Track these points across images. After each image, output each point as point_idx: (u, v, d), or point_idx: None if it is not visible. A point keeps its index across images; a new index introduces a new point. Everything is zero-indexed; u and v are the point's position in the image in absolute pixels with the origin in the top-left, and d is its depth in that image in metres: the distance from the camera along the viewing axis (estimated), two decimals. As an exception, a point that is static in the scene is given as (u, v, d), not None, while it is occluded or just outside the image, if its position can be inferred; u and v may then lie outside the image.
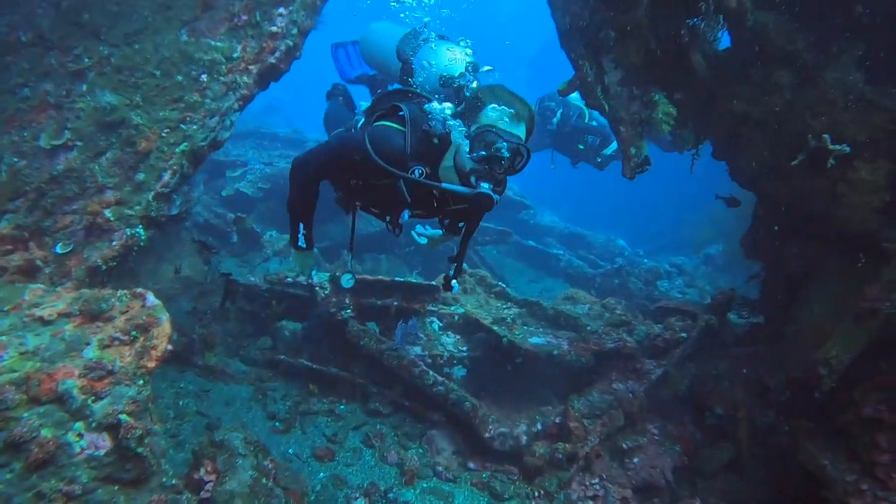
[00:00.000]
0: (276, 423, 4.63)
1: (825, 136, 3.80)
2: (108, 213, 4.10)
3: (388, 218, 3.24)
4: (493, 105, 2.59)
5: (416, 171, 2.67)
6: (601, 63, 4.02)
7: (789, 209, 4.45)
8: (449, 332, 5.92)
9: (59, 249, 4.05)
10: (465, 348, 5.69)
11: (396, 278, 5.78)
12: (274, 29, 4.34)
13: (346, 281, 3.54)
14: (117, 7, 4.57)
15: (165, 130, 4.26)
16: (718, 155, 4.87)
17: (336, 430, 4.68)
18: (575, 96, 7.96)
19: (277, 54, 4.27)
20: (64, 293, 3.37)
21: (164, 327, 3.11)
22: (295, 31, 4.30)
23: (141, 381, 2.92)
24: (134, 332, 3.07)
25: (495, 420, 4.65)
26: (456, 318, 6.00)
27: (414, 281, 5.88)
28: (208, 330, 5.39)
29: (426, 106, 2.77)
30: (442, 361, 5.47)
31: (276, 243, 9.53)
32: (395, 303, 5.62)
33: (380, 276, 5.85)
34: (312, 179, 2.93)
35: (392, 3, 4.07)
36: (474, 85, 2.96)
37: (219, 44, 4.44)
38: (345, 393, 5.25)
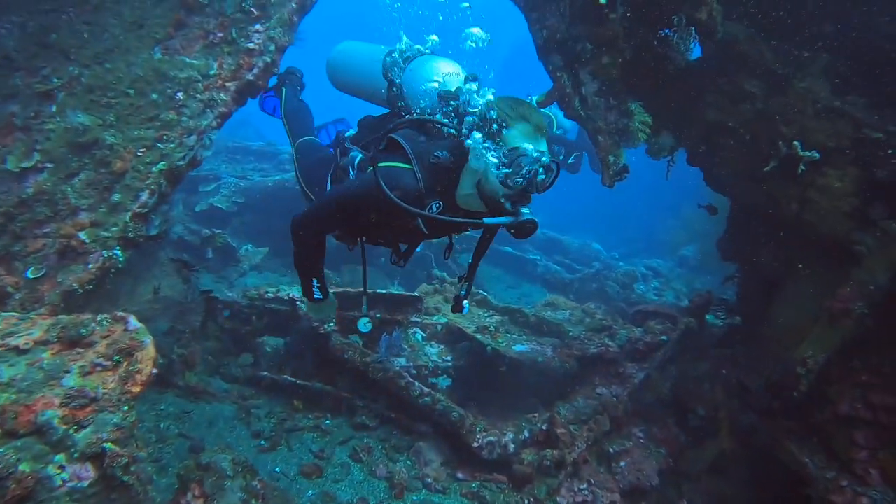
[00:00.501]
0: (262, 442, 4.57)
1: (795, 142, 3.91)
2: (82, 235, 4.01)
3: (399, 248, 3.14)
4: (518, 124, 2.39)
5: (434, 206, 2.56)
6: (578, 75, 4.09)
7: (763, 213, 4.57)
8: (432, 343, 5.92)
9: (30, 274, 3.95)
10: (449, 358, 5.70)
11: (379, 290, 5.77)
12: (251, 46, 4.30)
13: (364, 325, 3.40)
14: (87, 27, 4.51)
15: (141, 150, 4.19)
16: (693, 161, 4.98)
17: (323, 446, 4.65)
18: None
19: (255, 71, 4.24)
20: (39, 320, 3.28)
21: (149, 351, 3.05)
22: (273, 47, 4.28)
23: (126, 408, 2.86)
24: (117, 357, 3.01)
25: (483, 429, 4.66)
26: (439, 328, 6.01)
27: (396, 292, 5.88)
28: (188, 349, 5.30)
29: (468, 142, 2.49)
30: (427, 372, 5.46)
31: (252, 258, 9.44)
32: (378, 315, 5.61)
33: (361, 289, 5.82)
34: (319, 235, 2.79)
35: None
36: (488, 97, 2.65)
37: (194, 61, 4.39)
38: (330, 407, 5.21)
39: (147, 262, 4.66)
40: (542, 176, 2.38)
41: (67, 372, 2.96)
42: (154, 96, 4.35)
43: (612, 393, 5.11)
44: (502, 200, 2.41)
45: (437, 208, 2.57)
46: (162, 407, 4.79)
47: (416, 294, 5.88)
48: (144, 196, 4.05)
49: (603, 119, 4.25)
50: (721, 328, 6.06)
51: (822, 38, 4.09)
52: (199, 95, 4.31)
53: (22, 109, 4.33)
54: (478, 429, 4.68)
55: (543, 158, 2.37)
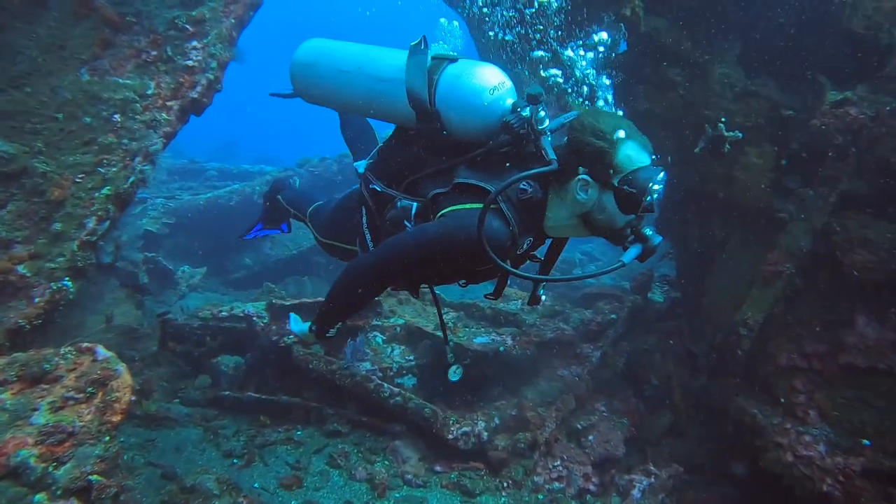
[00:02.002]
0: (235, 461, 4.51)
1: (720, 123, 4.27)
2: (21, 269, 3.83)
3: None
4: (625, 143, 2.02)
5: (525, 244, 2.24)
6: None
7: (695, 193, 4.93)
8: (393, 344, 5.98)
9: (-38, 315, 3.74)
10: (411, 357, 5.78)
11: (335, 298, 5.77)
12: (190, 63, 4.23)
13: (454, 374, 2.98)
14: (-6, 49, 4.29)
15: (80, 176, 4.03)
16: (625, 148, 5.30)
17: (298, 457, 4.63)
18: None
19: (199, 88, 4.17)
20: (-6, 360, 3.14)
21: (124, 378, 2.98)
22: (214, 64, 4.22)
23: (107, 438, 2.79)
24: (90, 389, 2.92)
25: (455, 421, 4.79)
26: (398, 329, 6.07)
27: (354, 299, 5.89)
28: (141, 377, 5.13)
29: (581, 176, 2.08)
30: (392, 373, 5.52)
31: (190, 278, 9.16)
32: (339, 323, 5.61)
33: (319, 298, 5.82)
34: (383, 287, 2.42)
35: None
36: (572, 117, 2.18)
37: (128, 81, 4.27)
38: (299, 419, 5.18)
39: (97, 290, 4.48)
40: (658, 197, 2.06)
41: (35, 410, 2.84)
42: (87, 120, 4.18)
43: (573, 373, 5.37)
44: (626, 229, 2.09)
45: (528, 245, 2.26)
46: (122, 439, 4.61)
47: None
48: (91, 223, 3.90)
49: (543, 113, 4.46)
50: (664, 303, 6.45)
51: (733, 26, 4.48)
52: (138, 116, 4.19)
53: (-66, 140, 4.08)
54: (451, 421, 4.80)
55: (662, 175, 2.04)
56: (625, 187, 2.01)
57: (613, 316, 6.05)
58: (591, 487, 4.63)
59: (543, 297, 2.59)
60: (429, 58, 2.32)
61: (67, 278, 3.78)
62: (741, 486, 4.35)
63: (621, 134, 2.04)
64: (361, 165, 2.69)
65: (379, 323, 5.88)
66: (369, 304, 2.61)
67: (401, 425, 5.02)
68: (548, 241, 2.44)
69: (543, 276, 2.30)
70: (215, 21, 4.38)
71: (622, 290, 7.34)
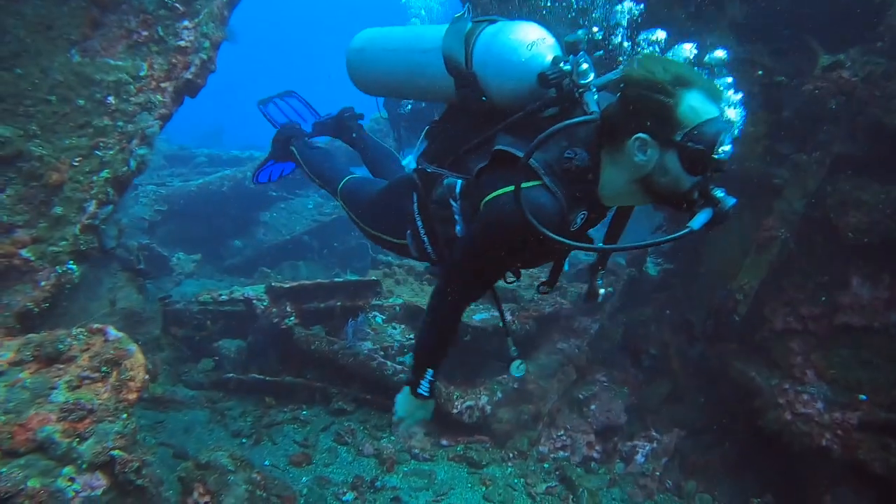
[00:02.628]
0: (244, 440, 4.56)
1: (714, 92, 4.30)
2: (25, 253, 3.82)
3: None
4: (687, 93, 1.76)
5: (579, 219, 1.99)
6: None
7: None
8: (393, 324, 6.03)
9: (-35, 299, 3.74)
10: (411, 335, 5.84)
11: (336, 279, 5.81)
12: (182, 43, 4.18)
13: (517, 369, 2.66)
14: (-21, 30, 4.21)
15: (77, 159, 4.00)
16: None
17: (306, 435, 4.68)
18: None
19: (192, 69, 4.14)
20: (5, 341, 3.15)
21: (137, 357, 3.01)
22: (207, 44, 4.19)
23: (125, 415, 2.83)
24: (105, 368, 2.95)
25: (459, 396, 4.86)
26: (397, 308, 6.12)
27: (353, 279, 5.93)
28: (147, 360, 5.14)
29: (639, 135, 1.81)
30: (393, 352, 5.57)
31: (185, 265, 9.12)
32: (339, 303, 5.65)
33: (319, 280, 5.87)
34: (461, 306, 2.20)
35: None
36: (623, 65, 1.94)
37: (120, 63, 4.21)
38: (303, 399, 5.23)
39: (97, 274, 4.47)
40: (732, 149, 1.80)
41: (53, 388, 2.87)
42: (81, 102, 4.13)
43: (572, 346, 5.45)
44: (692, 192, 1.83)
45: (583, 219, 2.02)
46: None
47: (372, 279, 5.95)
48: (92, 207, 3.89)
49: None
50: (658, 275, 6.55)
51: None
52: (132, 98, 4.15)
53: (-80, 126, 4.02)
54: (455, 396, 4.87)
55: (736, 125, 1.83)
56: (689, 144, 1.75)
57: (610, 289, 6.13)
58: (595, 455, 4.74)
59: (603, 290, 2.36)
60: (469, 23, 2.16)
61: (72, 261, 3.78)
62: (741, 446, 4.47)
63: (683, 82, 1.77)
64: (411, 161, 2.54)
65: (379, 303, 5.92)
66: (454, 334, 2.31)
67: (405, 400, 5.08)
68: (610, 215, 2.21)
69: (610, 246, 2.06)
70: (206, 0, 4.34)
71: (617, 264, 7.43)
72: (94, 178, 3.98)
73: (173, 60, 4.20)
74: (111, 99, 4.13)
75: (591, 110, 1.90)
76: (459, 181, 2.15)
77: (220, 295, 5.76)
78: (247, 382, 5.35)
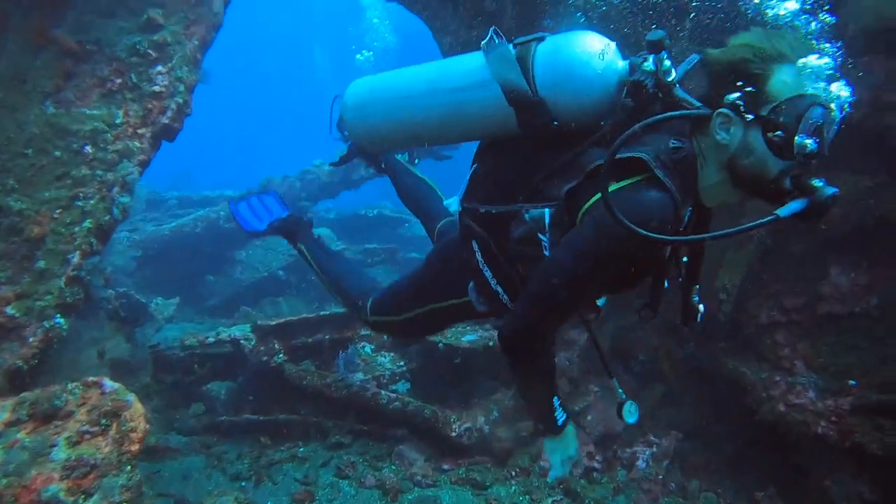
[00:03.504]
0: (244, 483, 4.47)
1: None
2: (10, 310, 3.75)
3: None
4: (789, 66, 1.59)
5: (686, 217, 1.85)
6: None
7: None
8: (382, 353, 6.01)
9: (-49, 361, 3.64)
10: (402, 363, 5.83)
11: (322, 312, 5.79)
12: (157, 89, 4.21)
13: (630, 413, 2.26)
14: (-45, 86, 4.19)
15: (57, 211, 3.97)
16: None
17: (306, 472, 4.62)
18: None
19: (169, 114, 4.15)
20: (-1, 402, 3.07)
21: (136, 408, 2.96)
22: (182, 87, 4.21)
23: (129, 467, 2.78)
24: (104, 421, 2.90)
25: (457, 419, 4.85)
26: (385, 337, 6.11)
27: (340, 311, 5.91)
28: (135, 412, 5.03)
29: (717, 125, 1.68)
30: (385, 380, 5.55)
31: (164, 310, 8.96)
32: (327, 336, 5.63)
33: (304, 315, 5.84)
34: (546, 339, 1.97)
35: None
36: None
37: (95, 111, 4.22)
38: (299, 435, 5.16)
39: (84, 326, 4.39)
40: (835, 128, 1.60)
41: (53, 446, 2.81)
42: (57, 153, 4.13)
43: (563, 358, 5.50)
44: (782, 179, 1.64)
45: (689, 216, 1.87)
46: (123, 477, 4.52)
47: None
48: (76, 258, 3.84)
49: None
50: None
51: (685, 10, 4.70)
52: (110, 146, 4.15)
53: None
54: (452, 419, 4.86)
55: (834, 103, 1.59)
56: (772, 117, 1.57)
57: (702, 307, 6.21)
58: (596, 465, 4.77)
59: (703, 307, 2.09)
60: (510, 46, 1.95)
61: (59, 315, 3.72)
62: (739, 443, 4.55)
63: (778, 52, 1.59)
64: (454, 202, 2.24)
65: (367, 333, 5.90)
66: (550, 362, 2.06)
67: (402, 429, 5.06)
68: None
69: (713, 233, 1.73)
70: (178, 44, 4.37)
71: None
72: (76, 228, 3.95)
73: (149, 106, 4.22)
74: (88, 148, 4.13)
75: (683, 99, 1.76)
76: (548, 210, 1.93)
77: (207, 338, 5.67)
78: (240, 423, 5.27)
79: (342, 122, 2.41)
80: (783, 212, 1.58)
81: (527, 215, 1.99)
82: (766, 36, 1.64)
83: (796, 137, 1.55)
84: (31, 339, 3.65)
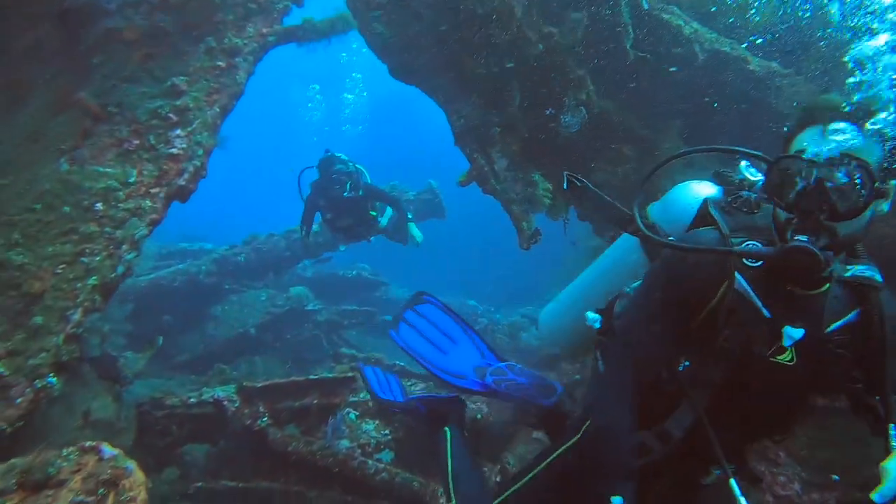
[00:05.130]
0: (222, 558, 4.30)
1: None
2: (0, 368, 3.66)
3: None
4: (815, 128, 1.68)
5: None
6: (490, 154, 4.65)
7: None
8: (367, 419, 5.96)
9: (-71, 422, 3.51)
10: (386, 431, 5.77)
11: (311, 376, 5.75)
12: (174, 151, 4.30)
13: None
14: (-27, 140, 4.23)
15: (60, 266, 3.96)
16: (582, 218, 5.75)
17: (287, 547, 4.48)
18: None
19: (186, 175, 4.24)
20: (-14, 468, 2.96)
21: (137, 476, 2.89)
22: (201, 151, 4.32)
23: (126, 541, 2.69)
24: (101, 490, 2.82)
25: (442, 493, 4.80)
26: (370, 403, 6.07)
27: (329, 376, 5.88)
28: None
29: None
30: (370, 449, 5.49)
31: (133, 365, 8.71)
32: (315, 401, 5.57)
33: (293, 378, 5.79)
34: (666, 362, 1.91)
35: None
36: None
37: (109, 170, 4.28)
38: (280, 505, 5.03)
39: (74, 385, 4.27)
40: (814, 182, 1.59)
41: (46, 517, 2.71)
42: (66, 209, 4.15)
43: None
44: (786, 230, 1.68)
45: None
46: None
47: (348, 375, 5.93)
48: (77, 315, 3.81)
49: (514, 191, 4.83)
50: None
51: (674, 109, 5.09)
52: (121, 204, 4.18)
53: None
54: (439, 493, 4.81)
55: (823, 158, 1.60)
56: (771, 170, 1.71)
57: (577, 377, 6.32)
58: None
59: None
60: (639, 221, 2.03)
61: (52, 374, 3.64)
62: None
63: (814, 117, 1.70)
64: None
65: (354, 399, 5.87)
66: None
67: (386, 502, 4.97)
68: None
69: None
70: (199, 110, 4.51)
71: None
72: (79, 284, 3.93)
73: (164, 167, 4.30)
74: (99, 205, 4.16)
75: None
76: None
77: (189, 398, 5.55)
78: (217, 490, 5.11)
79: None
80: (739, 247, 1.73)
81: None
82: (825, 100, 1.77)
83: (779, 190, 1.69)
84: (19, 400, 3.54)
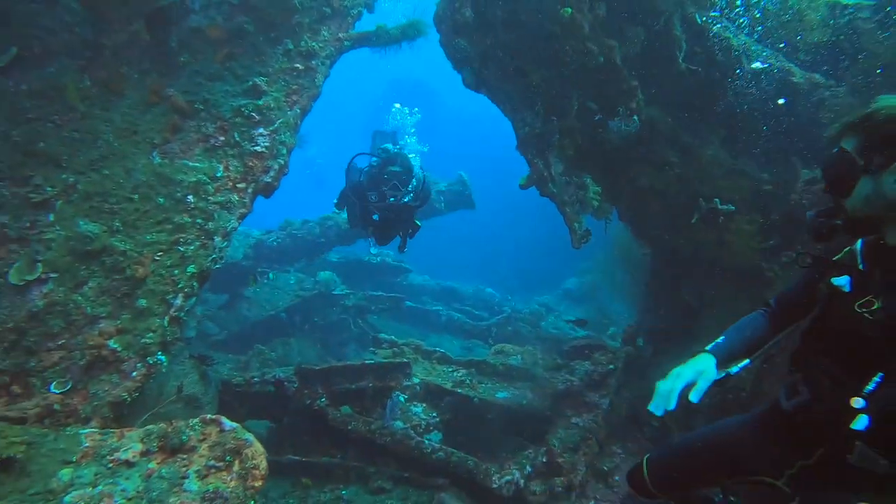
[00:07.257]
0: (296, 523, 4.70)
1: (716, 199, 5.09)
2: (113, 343, 4.02)
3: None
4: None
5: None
6: (548, 159, 4.97)
7: (686, 256, 5.74)
8: (415, 402, 6.34)
9: (55, 388, 3.87)
10: (434, 414, 6.16)
11: (366, 361, 6.12)
12: (258, 149, 4.62)
13: None
14: (77, 134, 4.52)
15: (159, 254, 4.30)
16: (624, 218, 6.08)
17: (353, 515, 4.87)
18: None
19: (271, 173, 4.55)
20: (126, 433, 3.33)
21: (256, 446, 3.25)
22: (284, 150, 4.63)
23: (252, 502, 3.07)
24: (228, 458, 3.18)
25: (496, 471, 5.19)
26: (417, 388, 6.45)
27: (383, 361, 6.25)
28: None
29: None
30: (421, 430, 5.88)
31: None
32: (371, 384, 5.95)
33: (347, 362, 6.17)
34: None
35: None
36: None
37: (198, 164, 4.60)
38: (340, 478, 5.42)
39: (169, 362, 4.63)
40: None
41: (185, 478, 3.08)
42: (161, 200, 4.47)
43: (587, 420, 5.92)
44: None
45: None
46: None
47: (404, 360, 6.30)
48: (179, 300, 4.15)
49: (567, 193, 5.16)
50: (649, 351, 7.20)
51: (716, 115, 5.40)
52: (211, 197, 4.51)
53: (13, 220, 4.22)
54: (492, 471, 5.20)
55: None
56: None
57: (611, 367, 6.70)
58: (622, 523, 5.15)
59: None
60: None
61: (160, 352, 4.00)
62: None
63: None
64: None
65: (410, 383, 6.24)
66: None
67: (443, 478, 5.36)
68: None
69: None
70: (279, 110, 4.82)
71: (601, 340, 8.14)
72: (177, 271, 4.26)
73: (249, 164, 4.62)
74: (191, 198, 4.48)
75: None
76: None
77: (253, 377, 5.93)
78: (282, 463, 5.49)
79: None
80: None
81: None
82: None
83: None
84: (134, 374, 3.92)
